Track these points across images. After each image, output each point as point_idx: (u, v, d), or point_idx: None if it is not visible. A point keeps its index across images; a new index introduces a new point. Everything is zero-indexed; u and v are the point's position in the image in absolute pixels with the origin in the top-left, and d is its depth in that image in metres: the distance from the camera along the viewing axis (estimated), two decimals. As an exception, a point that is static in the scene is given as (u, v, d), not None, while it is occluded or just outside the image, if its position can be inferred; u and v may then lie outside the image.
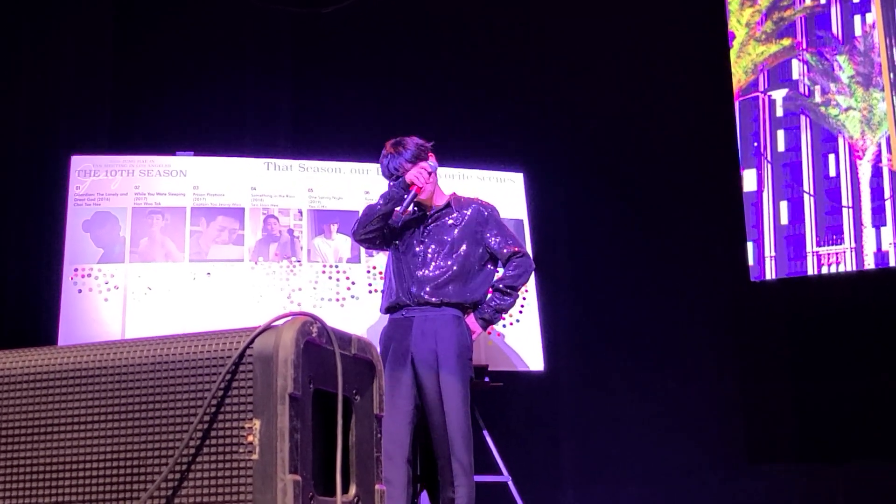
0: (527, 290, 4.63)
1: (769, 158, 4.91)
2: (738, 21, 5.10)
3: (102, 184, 4.58)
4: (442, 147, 3.90)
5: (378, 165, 3.84)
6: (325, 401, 1.81)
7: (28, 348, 1.94)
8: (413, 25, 5.70)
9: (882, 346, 4.62)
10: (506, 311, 3.83)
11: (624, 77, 5.46)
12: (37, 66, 5.31)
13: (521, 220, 4.84)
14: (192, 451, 1.74)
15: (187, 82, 5.54)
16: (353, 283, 4.66)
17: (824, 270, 4.67)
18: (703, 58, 5.23)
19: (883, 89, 4.64)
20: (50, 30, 5.33)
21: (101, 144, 5.28)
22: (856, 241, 4.61)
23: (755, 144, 4.96)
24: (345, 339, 1.87)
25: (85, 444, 1.82)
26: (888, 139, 4.59)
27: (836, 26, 4.82)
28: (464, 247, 3.72)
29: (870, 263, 4.57)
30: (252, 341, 1.74)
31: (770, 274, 4.82)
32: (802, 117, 4.85)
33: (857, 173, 4.65)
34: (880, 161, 4.61)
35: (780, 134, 4.90)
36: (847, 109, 4.74)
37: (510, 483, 4.43)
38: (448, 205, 3.80)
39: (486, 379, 4.44)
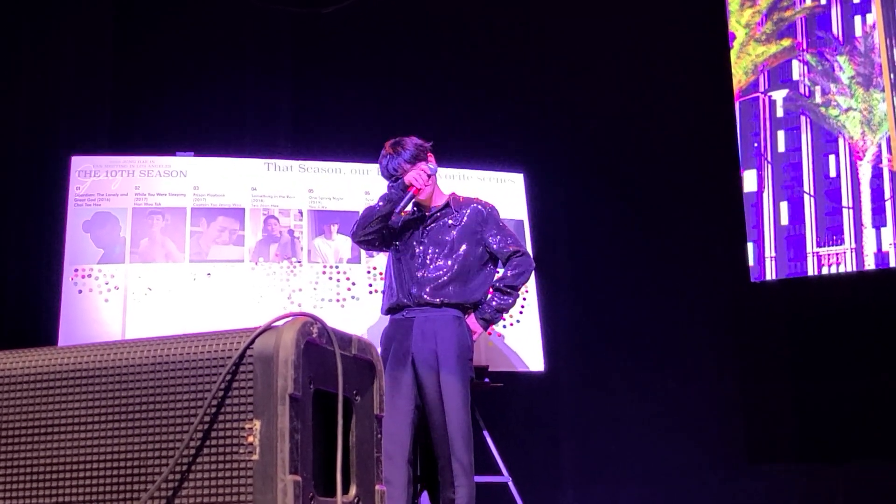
0: (527, 291, 4.63)
1: (769, 159, 4.91)
2: (738, 21, 5.10)
3: (102, 184, 4.58)
4: (442, 147, 3.90)
5: (378, 166, 3.85)
6: (326, 401, 1.81)
7: (28, 348, 1.94)
8: (413, 25, 5.70)
9: (882, 346, 4.62)
10: (506, 310, 3.83)
11: (624, 77, 5.46)
12: (37, 66, 5.31)
13: (521, 221, 4.84)
14: (193, 451, 1.74)
15: (187, 82, 5.53)
16: (353, 283, 4.66)
17: (824, 271, 4.67)
18: (703, 58, 5.23)
19: (883, 90, 4.64)
20: (50, 30, 5.33)
21: (101, 145, 5.28)
22: (856, 242, 4.61)
23: (755, 145, 4.96)
24: (345, 340, 1.88)
25: (85, 445, 1.82)
26: (888, 140, 4.59)
27: (836, 27, 4.82)
28: (463, 247, 3.72)
29: (870, 264, 4.57)
30: (252, 342, 1.74)
31: (770, 274, 4.82)
32: (803, 118, 4.85)
33: (858, 174, 4.65)
34: (880, 162, 4.61)
35: (781, 134, 4.90)
36: (847, 110, 4.74)
37: (510, 483, 4.43)
38: (447, 205, 3.79)
39: (487, 380, 4.45)
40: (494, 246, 3.76)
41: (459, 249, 3.71)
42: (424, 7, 5.67)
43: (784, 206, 4.83)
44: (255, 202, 4.68)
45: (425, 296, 3.64)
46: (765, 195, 4.89)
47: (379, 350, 2.41)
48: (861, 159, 4.66)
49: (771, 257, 4.82)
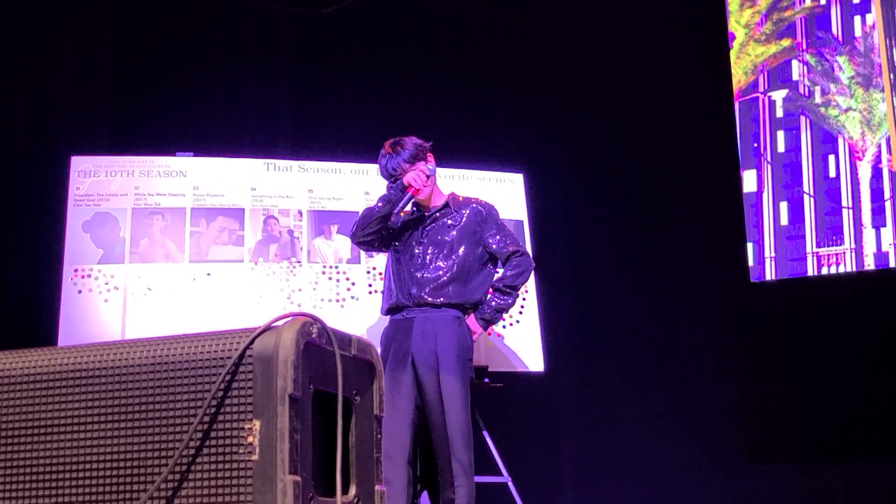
0: (526, 291, 4.63)
1: (769, 159, 4.91)
2: (738, 22, 5.10)
3: (102, 184, 4.58)
4: (442, 147, 3.90)
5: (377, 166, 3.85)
6: (325, 401, 1.81)
7: (28, 348, 1.94)
8: (413, 25, 5.70)
9: (882, 346, 4.63)
10: (506, 310, 3.82)
11: (624, 77, 5.46)
12: (37, 66, 5.31)
13: (521, 221, 4.84)
14: (192, 451, 1.74)
15: (187, 82, 5.53)
16: (353, 283, 4.66)
17: (824, 271, 4.67)
18: (703, 58, 5.23)
19: (883, 90, 4.64)
20: (50, 30, 5.33)
21: (101, 145, 5.28)
22: (856, 242, 4.61)
23: (755, 145, 4.96)
24: (345, 340, 1.87)
25: (85, 445, 1.82)
26: (888, 140, 4.59)
27: (836, 27, 4.82)
28: (463, 247, 3.72)
29: (870, 264, 4.57)
30: (252, 342, 1.74)
31: (770, 274, 4.82)
32: (802, 118, 4.85)
33: (857, 174, 4.65)
34: (880, 162, 4.61)
35: (780, 135, 4.90)
36: (847, 110, 4.74)
37: (510, 483, 4.43)
38: (446, 205, 3.79)
39: (486, 380, 4.45)
40: (494, 246, 3.75)
41: (459, 250, 3.71)
42: (424, 7, 5.67)
43: (784, 206, 4.83)
44: (255, 202, 4.68)
45: (425, 296, 3.63)
46: (764, 195, 4.89)
47: (379, 350, 2.41)
48: (861, 159, 4.66)
49: (771, 257, 4.82)
